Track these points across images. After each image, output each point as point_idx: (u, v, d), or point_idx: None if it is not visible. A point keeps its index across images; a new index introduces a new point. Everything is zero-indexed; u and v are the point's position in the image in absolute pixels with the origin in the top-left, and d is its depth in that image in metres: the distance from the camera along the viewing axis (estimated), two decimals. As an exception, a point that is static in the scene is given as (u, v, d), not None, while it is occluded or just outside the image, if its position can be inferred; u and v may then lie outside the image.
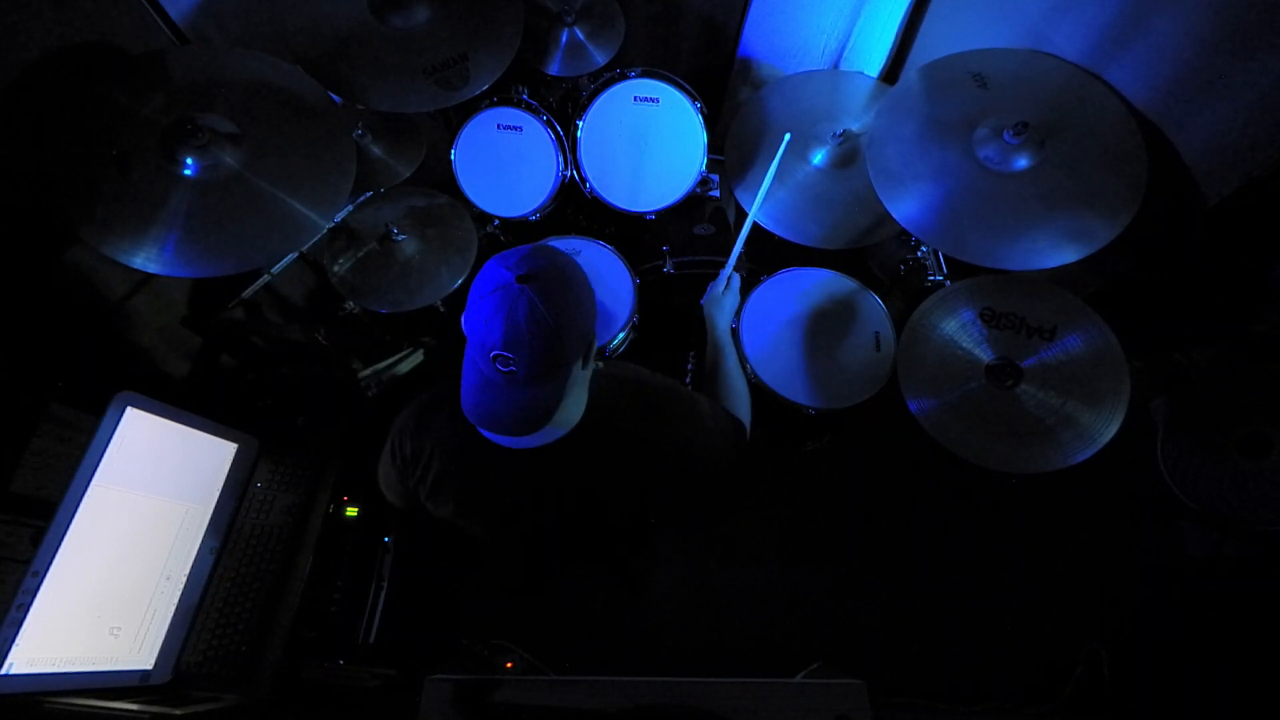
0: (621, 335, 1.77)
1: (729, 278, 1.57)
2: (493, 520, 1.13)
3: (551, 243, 1.85)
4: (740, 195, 1.85)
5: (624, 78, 1.79)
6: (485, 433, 0.99)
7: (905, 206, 1.53)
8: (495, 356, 0.86)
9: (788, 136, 1.54)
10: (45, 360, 1.43)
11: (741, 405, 1.31)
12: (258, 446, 1.62)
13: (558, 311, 0.87)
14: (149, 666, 1.34)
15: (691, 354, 1.96)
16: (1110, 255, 1.41)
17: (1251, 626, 1.75)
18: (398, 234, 1.73)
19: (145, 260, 1.26)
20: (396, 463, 1.10)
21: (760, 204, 1.55)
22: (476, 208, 1.92)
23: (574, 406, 0.99)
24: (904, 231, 1.58)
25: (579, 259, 1.89)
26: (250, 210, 1.35)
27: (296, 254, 1.71)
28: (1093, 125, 1.48)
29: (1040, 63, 1.58)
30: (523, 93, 1.86)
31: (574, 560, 1.88)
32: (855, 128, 1.78)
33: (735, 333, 1.73)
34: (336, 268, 1.75)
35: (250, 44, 1.58)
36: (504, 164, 1.89)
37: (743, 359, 1.68)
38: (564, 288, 0.88)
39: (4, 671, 1.12)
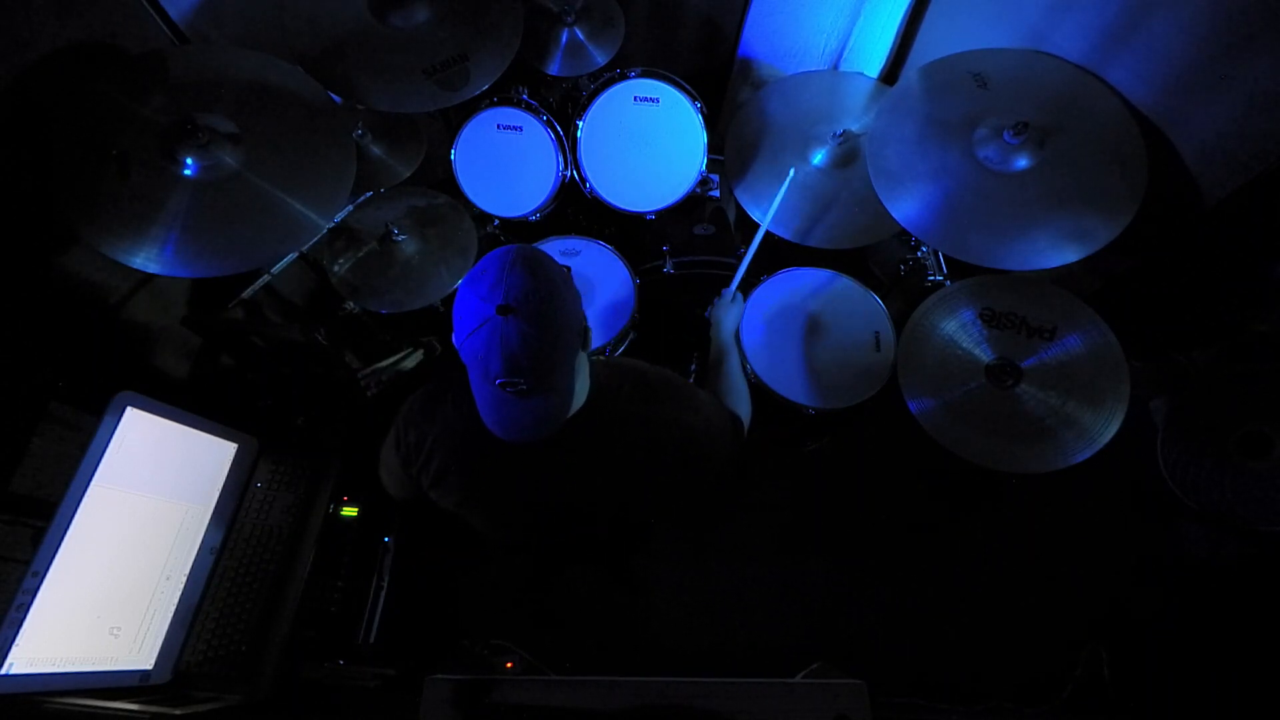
0: (621, 335, 1.77)
1: (736, 288, 1.57)
2: (496, 510, 1.13)
3: (551, 243, 1.86)
4: (740, 195, 1.85)
5: (624, 78, 1.79)
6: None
7: (905, 206, 1.53)
8: (501, 384, 0.87)
9: (791, 172, 1.60)
10: (45, 360, 1.43)
11: (741, 403, 1.32)
12: (258, 446, 1.62)
13: (547, 324, 0.87)
14: (149, 666, 1.34)
15: (695, 354, 1.96)
16: (1110, 255, 1.41)
17: (1251, 626, 1.75)
18: (398, 234, 1.73)
19: (145, 260, 1.26)
20: (400, 450, 1.10)
21: (769, 222, 1.58)
22: (476, 208, 1.92)
23: (580, 389, 1.01)
24: (904, 231, 1.58)
25: (579, 259, 1.91)
26: (250, 210, 1.35)
27: (296, 254, 1.71)
28: (1093, 125, 1.49)
29: (1040, 63, 1.58)
30: (523, 93, 1.86)
31: (574, 560, 1.88)
32: (855, 128, 1.78)
33: (735, 333, 1.73)
34: (336, 268, 1.75)
35: (250, 44, 1.58)
36: (504, 164, 1.89)
37: (743, 358, 1.68)
38: (544, 298, 0.87)
39: (4, 671, 1.12)
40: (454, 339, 0.91)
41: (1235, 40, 1.28)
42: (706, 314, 1.57)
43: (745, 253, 1.60)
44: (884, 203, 1.54)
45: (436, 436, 1.06)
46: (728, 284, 1.60)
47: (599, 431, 1.03)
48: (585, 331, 0.96)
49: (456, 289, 0.92)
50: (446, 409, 1.06)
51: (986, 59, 1.61)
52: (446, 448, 1.06)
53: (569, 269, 0.97)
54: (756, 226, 1.74)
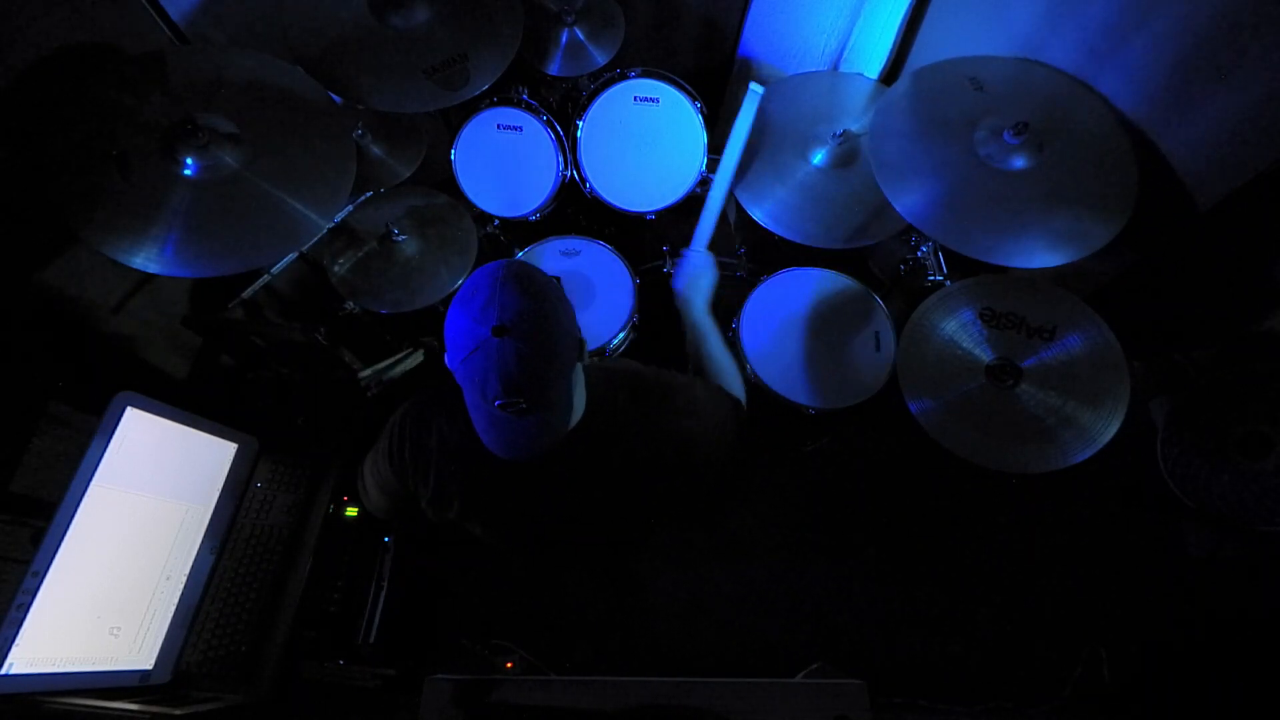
0: (621, 335, 1.77)
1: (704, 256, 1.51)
2: (496, 522, 1.13)
3: (551, 243, 1.86)
4: (740, 195, 1.85)
5: (624, 78, 1.79)
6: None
7: (907, 199, 1.52)
8: (501, 405, 0.87)
9: (760, 90, 1.55)
10: (45, 360, 1.43)
11: (734, 383, 1.28)
12: (258, 446, 1.62)
13: (543, 341, 0.87)
14: (149, 666, 1.34)
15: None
16: (1110, 255, 1.41)
17: (1251, 626, 1.75)
18: (398, 234, 1.73)
19: (145, 260, 1.26)
20: (394, 465, 1.09)
21: (732, 167, 1.56)
22: (476, 208, 1.92)
23: (578, 399, 1.00)
24: (904, 232, 1.57)
25: (579, 259, 1.91)
26: (250, 210, 1.35)
27: (296, 254, 1.71)
28: (1085, 129, 1.48)
29: (1033, 71, 1.58)
30: (523, 93, 1.86)
31: (574, 562, 1.88)
32: (855, 128, 1.78)
33: (735, 333, 1.73)
34: (336, 268, 1.75)
35: (250, 44, 1.58)
36: (504, 164, 1.89)
37: (742, 359, 1.68)
38: (538, 314, 0.87)
39: (4, 671, 1.12)
40: (448, 362, 0.90)
41: (1232, 39, 1.28)
42: (676, 285, 1.46)
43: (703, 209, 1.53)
44: (886, 194, 1.52)
45: (434, 451, 1.05)
46: (723, 284, 1.55)
47: (596, 444, 1.03)
48: (580, 343, 0.96)
49: (459, 286, 0.91)
50: (441, 423, 1.05)
51: (981, 65, 1.60)
52: (445, 462, 1.05)
53: (559, 279, 0.96)
54: (757, 226, 1.73)
